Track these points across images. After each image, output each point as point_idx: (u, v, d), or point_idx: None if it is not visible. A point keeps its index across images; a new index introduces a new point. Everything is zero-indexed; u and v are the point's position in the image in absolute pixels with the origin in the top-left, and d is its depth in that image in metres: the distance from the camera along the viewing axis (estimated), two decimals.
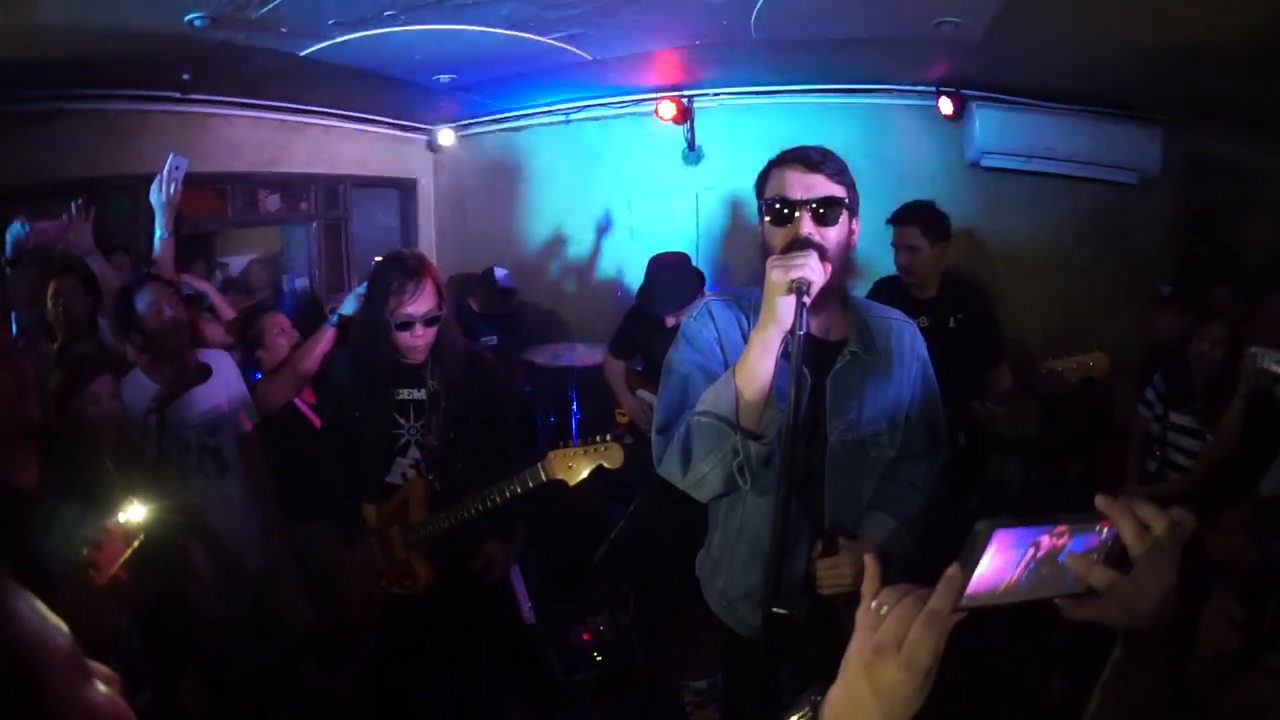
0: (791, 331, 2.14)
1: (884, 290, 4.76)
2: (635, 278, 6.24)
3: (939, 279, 4.77)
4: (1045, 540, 1.08)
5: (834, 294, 2.52)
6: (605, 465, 3.34)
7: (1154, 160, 6.52)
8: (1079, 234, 6.90)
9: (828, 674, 1.20)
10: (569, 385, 6.83)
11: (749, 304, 2.52)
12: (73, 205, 4.15)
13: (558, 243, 7.89)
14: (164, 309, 3.71)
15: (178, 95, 5.74)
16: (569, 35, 4.93)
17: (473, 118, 7.75)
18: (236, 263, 7.80)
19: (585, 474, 3.34)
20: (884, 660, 1.07)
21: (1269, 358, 3.82)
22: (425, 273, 3.42)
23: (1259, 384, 4.05)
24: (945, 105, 6.52)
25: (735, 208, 7.16)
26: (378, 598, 3.66)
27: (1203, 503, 4.09)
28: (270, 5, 3.87)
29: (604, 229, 7.76)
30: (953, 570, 1.05)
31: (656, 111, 7.03)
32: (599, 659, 4.82)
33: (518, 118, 7.70)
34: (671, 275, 5.24)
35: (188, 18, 3.94)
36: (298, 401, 4.61)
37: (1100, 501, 1.15)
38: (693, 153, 7.31)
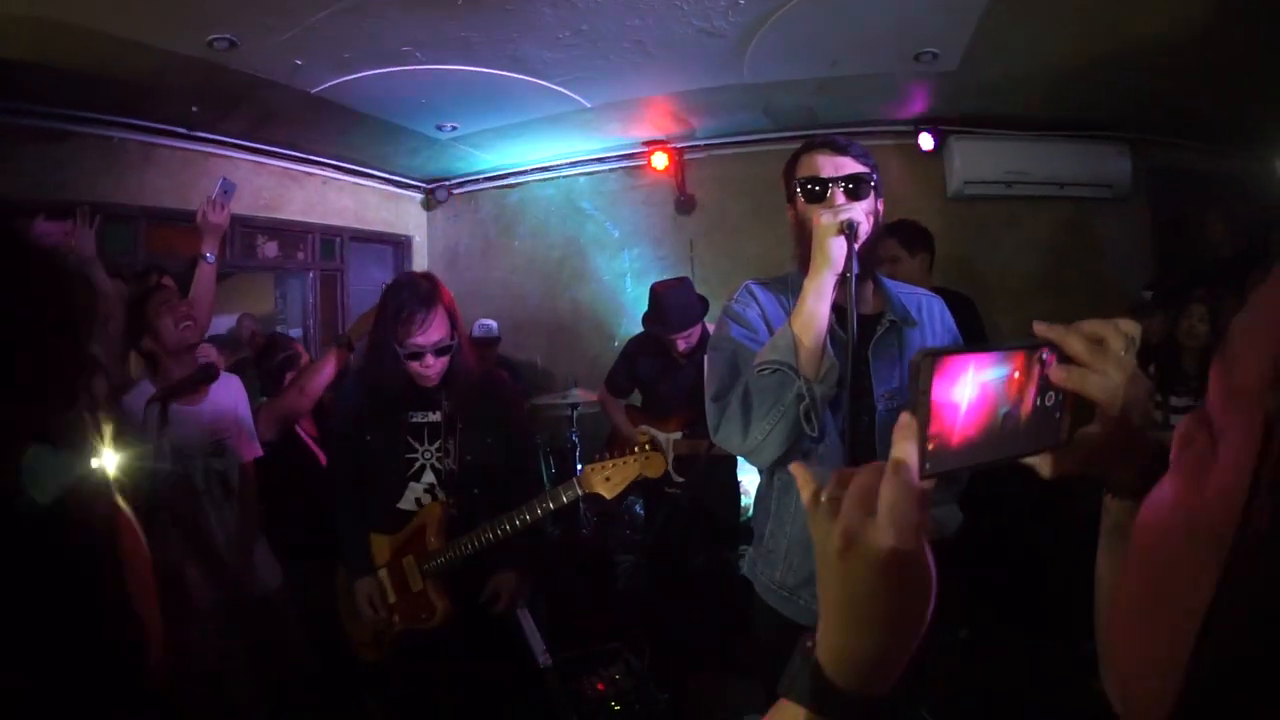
0: (844, 275, 2.24)
1: None
2: (631, 328, 6.34)
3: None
4: (998, 386, 1.01)
5: (868, 270, 2.60)
6: (647, 475, 3.27)
7: (1124, 175, 6.91)
8: (1060, 251, 7.19)
9: None
10: (569, 430, 6.70)
11: (788, 286, 2.61)
12: (78, 211, 4.01)
13: (552, 297, 7.93)
14: (176, 312, 3.60)
15: (183, 131, 5.72)
16: (568, 79, 5.09)
17: (469, 174, 7.86)
18: (222, 321, 7.47)
19: (624, 486, 3.27)
20: (862, 539, 0.87)
21: None
22: (437, 299, 3.34)
23: None
24: (925, 141, 6.81)
25: (729, 253, 7.24)
26: (387, 636, 3.50)
27: None
28: (296, 29, 3.94)
29: (599, 281, 7.81)
30: (905, 418, 0.94)
31: (649, 162, 7.18)
32: (616, 708, 4.54)
33: (513, 174, 7.82)
34: (676, 296, 5.23)
35: (211, 38, 3.98)
36: (302, 434, 4.43)
37: (1039, 327, 1.11)
38: (685, 201, 7.41)
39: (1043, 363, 1.06)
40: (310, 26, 3.84)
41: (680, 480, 5.18)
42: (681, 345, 5.13)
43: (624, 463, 3.24)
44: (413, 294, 3.32)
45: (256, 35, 3.97)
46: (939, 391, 0.95)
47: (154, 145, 5.74)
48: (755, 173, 6.83)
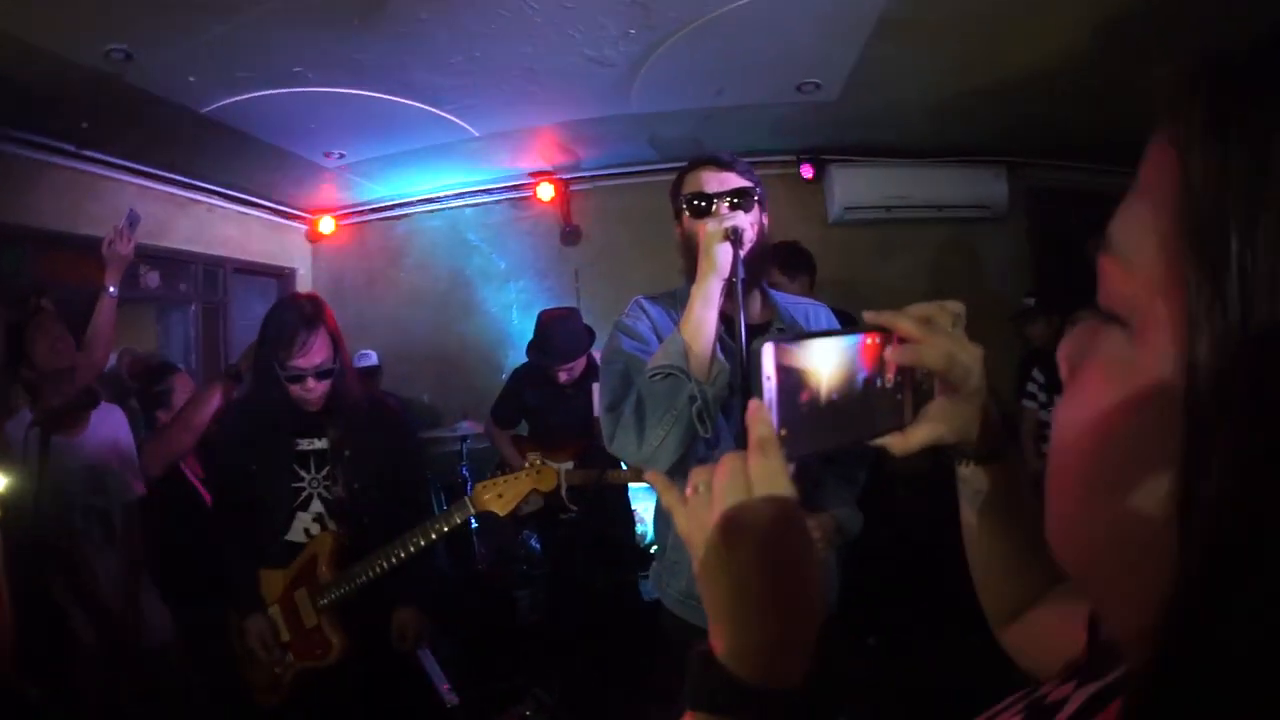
0: (730, 280, 2.33)
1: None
2: (517, 359, 6.28)
3: None
4: (840, 372, 1.04)
5: (755, 279, 2.68)
6: (539, 489, 3.30)
7: (1001, 196, 7.20)
8: (941, 271, 7.48)
9: None
10: (459, 464, 6.63)
11: (676, 299, 2.67)
12: None
13: (439, 330, 7.84)
14: (50, 334, 3.43)
15: (72, 149, 5.40)
16: (459, 107, 5.08)
17: (356, 205, 7.75)
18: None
19: (516, 502, 3.27)
20: (742, 518, 0.88)
21: None
22: (319, 321, 3.28)
23: None
24: (806, 170, 7.03)
25: (614, 284, 7.18)
26: (284, 677, 3.32)
27: None
28: (190, 44, 3.85)
29: (485, 313, 7.76)
30: (754, 403, 0.96)
31: (535, 194, 7.18)
32: None
33: (399, 205, 7.74)
34: (562, 326, 5.26)
35: (109, 48, 3.83)
36: (188, 473, 4.24)
37: (869, 315, 1.14)
38: (570, 233, 7.45)
39: (880, 346, 1.10)
40: (205, 42, 3.75)
41: (574, 509, 5.17)
42: (563, 376, 5.17)
43: (515, 479, 3.26)
44: (295, 315, 3.26)
45: (151, 48, 3.86)
46: (784, 379, 0.98)
47: (46, 164, 5.42)
48: (640, 203, 6.93)
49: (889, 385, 1.12)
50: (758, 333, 2.65)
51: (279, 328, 3.25)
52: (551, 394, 5.28)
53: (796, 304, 2.89)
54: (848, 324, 4.97)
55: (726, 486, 0.92)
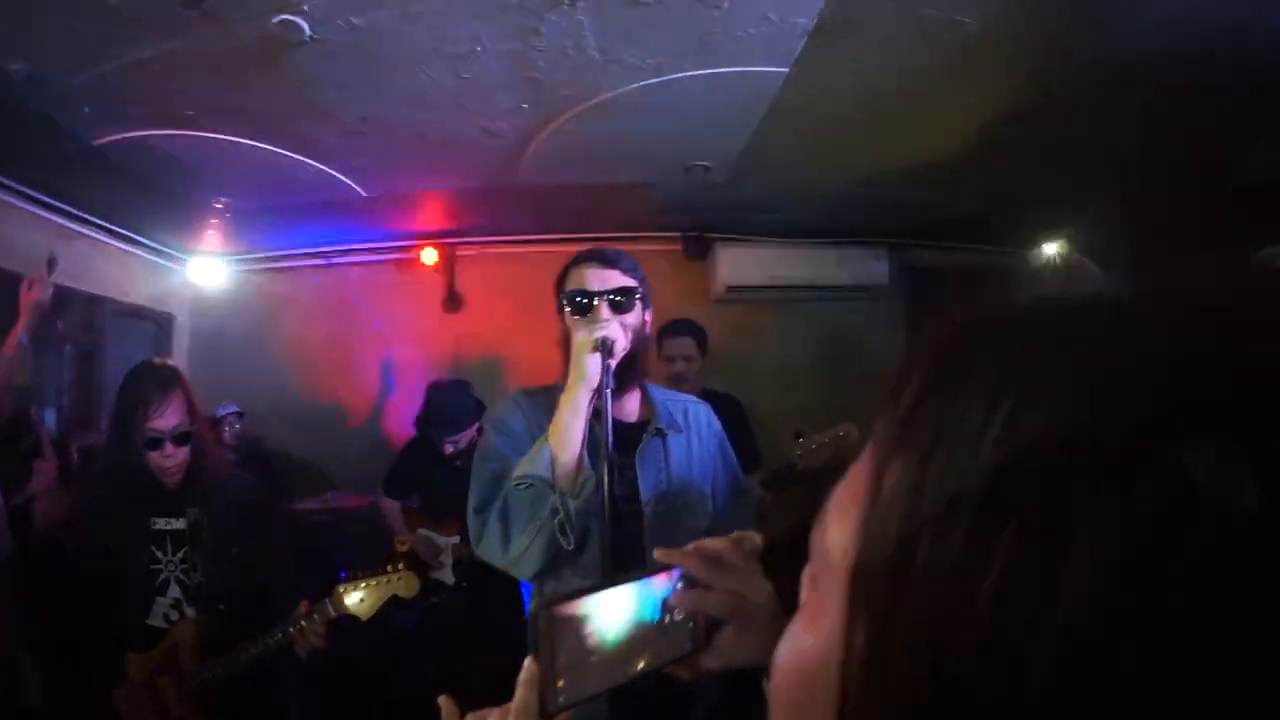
0: (599, 389, 2.31)
1: None
2: (395, 425, 6.35)
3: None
4: (626, 614, 1.09)
5: (633, 379, 2.69)
6: (400, 595, 3.20)
7: (882, 276, 7.47)
8: (821, 347, 7.64)
9: None
10: (335, 536, 6.39)
11: (554, 396, 2.56)
12: None
13: (317, 389, 7.60)
14: None
15: None
16: (349, 166, 5.07)
17: (239, 252, 7.48)
18: None
19: (378, 606, 3.17)
20: None
21: None
22: (175, 384, 3.27)
23: None
24: (691, 247, 7.23)
25: (494, 354, 7.25)
26: None
27: None
28: (90, 74, 3.74)
29: (363, 376, 7.60)
30: (529, 664, 1.01)
31: (418, 257, 7.15)
32: None
33: (283, 256, 7.55)
34: (451, 399, 5.28)
35: (15, 66, 3.68)
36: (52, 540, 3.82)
37: (659, 553, 1.20)
38: (453, 300, 7.42)
39: (669, 585, 1.16)
40: (102, 73, 3.65)
41: (451, 584, 5.17)
42: (449, 449, 5.15)
43: (377, 583, 3.17)
44: (149, 378, 3.29)
45: (55, 72, 3.76)
46: (565, 632, 1.02)
47: None
48: (525, 274, 6.71)
49: (678, 618, 1.17)
50: (634, 432, 2.68)
51: (134, 391, 3.24)
52: (441, 465, 5.24)
53: (676, 401, 2.90)
54: (728, 410, 5.15)
55: None
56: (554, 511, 2.32)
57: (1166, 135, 5.12)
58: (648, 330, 2.74)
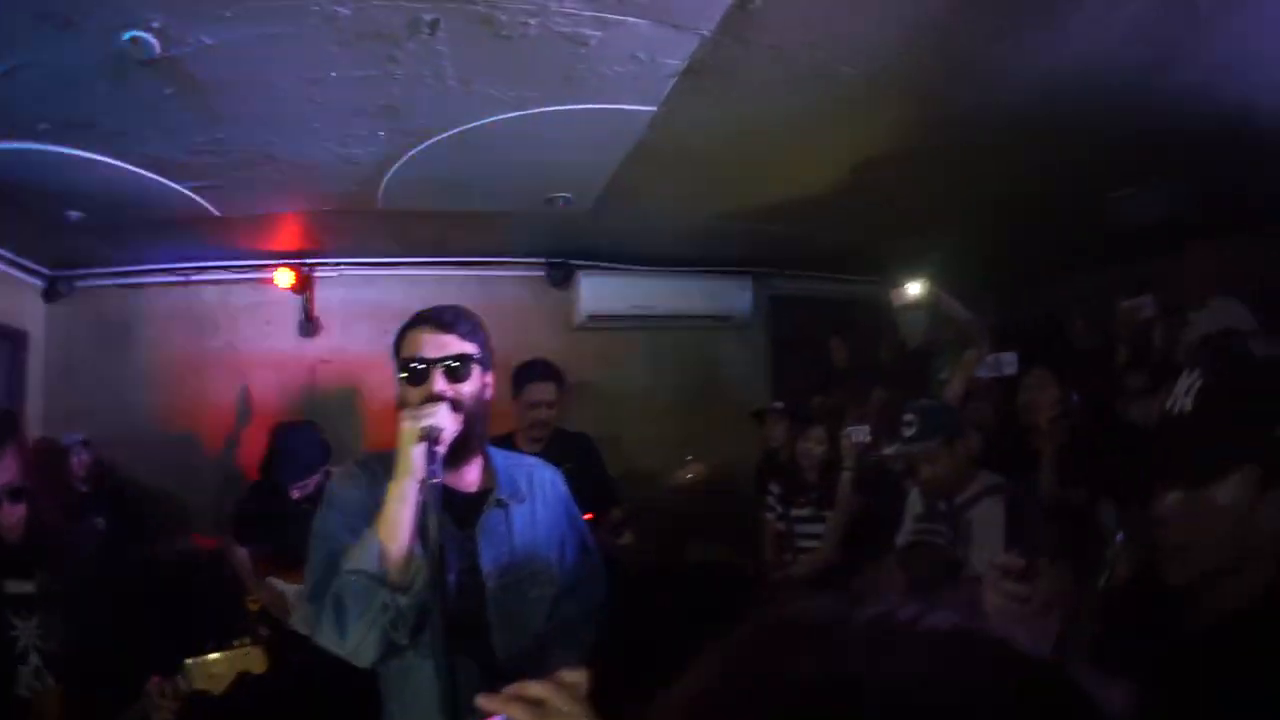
0: (424, 481, 2.19)
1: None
2: (252, 456, 5.96)
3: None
4: None
5: (473, 447, 2.58)
6: (249, 671, 2.97)
7: (746, 305, 7.56)
8: (685, 374, 7.69)
9: None
10: (192, 585, 5.68)
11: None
12: None
13: (169, 420, 7.09)
14: None
15: None
16: (203, 186, 4.87)
17: (93, 267, 7.00)
18: None
19: (229, 682, 2.94)
20: None
21: (857, 432, 4.85)
22: (9, 436, 2.91)
23: (857, 455, 4.95)
24: (552, 275, 7.09)
25: (351, 383, 7.00)
26: None
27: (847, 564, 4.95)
28: None
29: (218, 405, 7.10)
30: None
31: (273, 280, 6.75)
32: None
33: (137, 272, 7.05)
34: (296, 444, 5.06)
35: None
36: None
37: (481, 700, 1.23)
38: (310, 324, 7.08)
39: None
40: None
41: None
42: (295, 494, 4.90)
43: (227, 658, 2.95)
44: None
45: None
46: None
47: None
48: (384, 299, 6.75)
49: None
50: (475, 503, 2.60)
51: None
52: (288, 512, 4.89)
53: (520, 466, 2.83)
54: (579, 448, 5.13)
55: None
56: (385, 608, 2.24)
57: (1040, 180, 5.33)
58: (488, 394, 2.63)
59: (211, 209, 5.23)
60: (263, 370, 7.15)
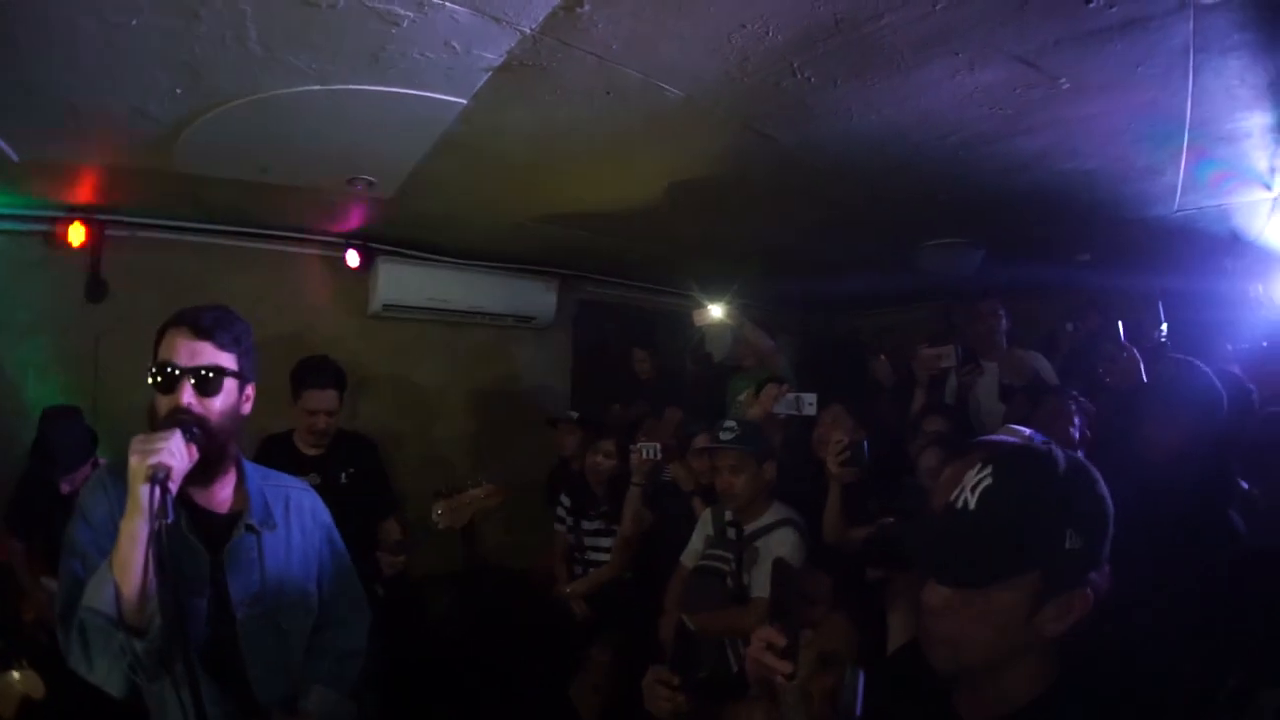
0: (156, 517, 2.04)
1: (272, 450, 4.80)
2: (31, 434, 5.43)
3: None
4: None
5: (224, 464, 2.50)
6: (31, 695, 2.92)
7: (549, 308, 7.53)
8: (482, 374, 7.61)
9: None
10: None
11: None
12: None
13: None
14: None
15: None
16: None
17: None
18: None
19: (14, 708, 2.90)
20: None
21: (648, 448, 4.94)
22: None
23: (646, 471, 5.01)
24: (352, 258, 6.74)
25: (139, 355, 6.14)
26: None
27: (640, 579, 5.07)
28: None
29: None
30: None
31: (66, 235, 6.05)
32: None
33: None
34: (60, 434, 4.72)
35: None
36: None
37: None
38: (96, 286, 6.33)
39: None
40: None
41: None
42: (65, 488, 4.58)
43: (3, 682, 2.91)
44: None
45: None
46: None
47: None
48: (178, 264, 6.33)
49: None
50: (223, 526, 2.50)
51: None
52: (59, 506, 4.52)
53: (278, 487, 2.72)
54: (362, 454, 4.98)
55: None
56: (122, 651, 2.11)
57: (857, 226, 5.43)
58: (245, 409, 2.51)
59: (10, 152, 4.78)
60: (47, 338, 6.21)
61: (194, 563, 2.30)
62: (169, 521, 2.03)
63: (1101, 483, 1.58)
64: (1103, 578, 1.55)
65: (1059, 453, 1.60)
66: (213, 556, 2.42)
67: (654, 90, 3.60)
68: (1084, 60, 3.28)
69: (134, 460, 2.09)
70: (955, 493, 1.58)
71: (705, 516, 4.67)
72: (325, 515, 2.81)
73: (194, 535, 2.32)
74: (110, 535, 2.21)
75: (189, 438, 2.19)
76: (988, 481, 1.55)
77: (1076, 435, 4.38)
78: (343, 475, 4.88)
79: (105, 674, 2.18)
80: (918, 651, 1.70)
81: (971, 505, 1.54)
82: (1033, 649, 1.57)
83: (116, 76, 3.70)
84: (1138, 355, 4.47)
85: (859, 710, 1.62)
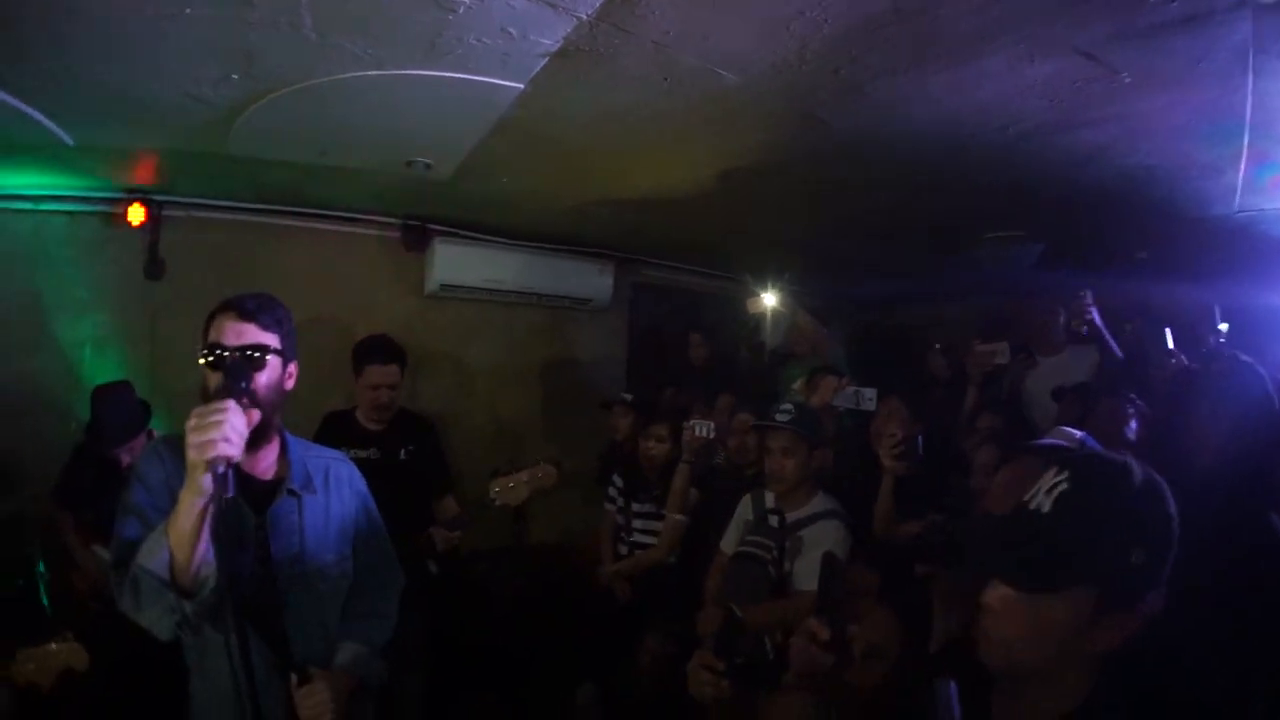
0: (216, 499, 2.16)
1: (334, 425, 4.91)
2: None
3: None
4: None
5: (268, 434, 2.68)
6: (74, 666, 2.95)
7: (605, 289, 7.52)
8: (538, 354, 7.66)
9: None
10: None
11: None
12: None
13: (3, 364, 6.00)
14: None
15: None
16: (51, 111, 4.46)
17: None
18: None
19: (53, 679, 2.94)
20: None
21: (701, 425, 4.89)
22: None
23: (697, 450, 4.98)
24: (411, 238, 6.83)
25: (194, 334, 6.15)
26: None
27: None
28: None
29: (56, 350, 6.15)
30: None
31: (126, 216, 6.16)
32: None
33: None
34: (111, 409, 4.79)
35: None
36: None
37: None
38: (155, 265, 6.44)
39: None
40: None
41: None
42: (125, 459, 4.64)
43: (46, 653, 2.95)
44: None
45: None
46: None
47: None
48: (234, 243, 6.45)
49: None
50: (267, 491, 2.67)
51: None
52: (114, 478, 4.52)
53: (318, 458, 2.89)
54: (422, 436, 5.02)
55: None
56: (172, 609, 2.27)
57: (912, 211, 5.37)
58: (288, 384, 2.70)
59: (64, 136, 4.81)
60: (105, 316, 6.33)
61: (242, 525, 2.45)
62: (228, 496, 2.14)
63: (1172, 502, 1.56)
64: (1157, 598, 1.53)
65: (1136, 466, 1.57)
66: (257, 519, 2.59)
67: (710, 76, 3.58)
68: (1145, 55, 3.21)
69: (192, 454, 2.15)
70: (1029, 495, 1.57)
71: (745, 502, 4.63)
72: (361, 485, 2.97)
73: (242, 499, 2.42)
74: (165, 498, 2.39)
75: (242, 396, 2.29)
76: (1064, 487, 1.54)
77: (1133, 438, 4.28)
78: (402, 452, 4.93)
79: (153, 620, 2.32)
80: (959, 653, 1.67)
81: (1046, 508, 1.53)
82: (1081, 660, 1.56)
83: (167, 65, 3.75)
84: (1185, 361, 4.38)
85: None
